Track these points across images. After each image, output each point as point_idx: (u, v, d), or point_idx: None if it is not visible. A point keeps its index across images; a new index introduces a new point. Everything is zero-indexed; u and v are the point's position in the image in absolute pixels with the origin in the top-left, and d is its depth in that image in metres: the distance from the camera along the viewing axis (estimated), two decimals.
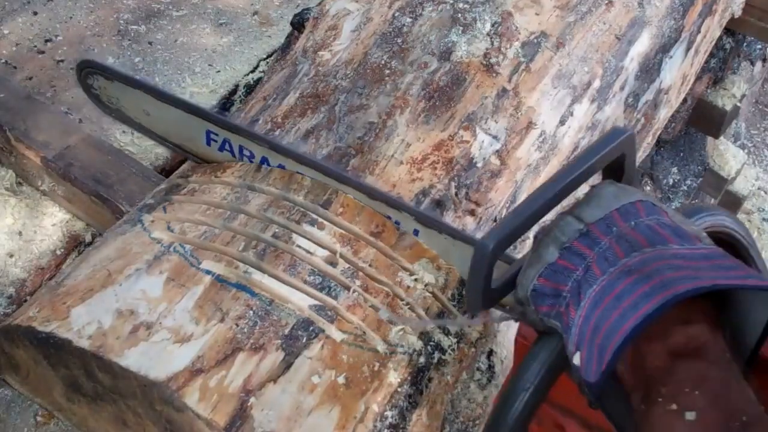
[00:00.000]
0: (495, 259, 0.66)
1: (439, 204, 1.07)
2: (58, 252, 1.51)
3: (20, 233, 1.52)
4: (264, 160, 1.07)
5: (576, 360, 0.60)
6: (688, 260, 0.59)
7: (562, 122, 1.19)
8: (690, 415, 0.55)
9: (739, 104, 1.91)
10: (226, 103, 1.72)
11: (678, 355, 0.58)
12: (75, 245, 1.52)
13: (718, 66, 1.87)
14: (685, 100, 1.77)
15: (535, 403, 0.65)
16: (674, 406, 0.56)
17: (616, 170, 0.70)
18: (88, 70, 1.14)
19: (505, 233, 0.66)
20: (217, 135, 1.09)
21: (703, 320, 0.60)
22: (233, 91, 1.73)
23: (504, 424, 0.65)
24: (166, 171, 1.55)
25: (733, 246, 0.73)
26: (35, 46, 1.72)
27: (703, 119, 2.02)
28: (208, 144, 1.10)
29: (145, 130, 1.17)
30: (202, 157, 1.14)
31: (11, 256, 1.49)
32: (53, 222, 1.54)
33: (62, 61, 1.71)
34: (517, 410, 0.65)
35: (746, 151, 2.44)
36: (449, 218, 1.07)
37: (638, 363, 0.60)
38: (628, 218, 0.63)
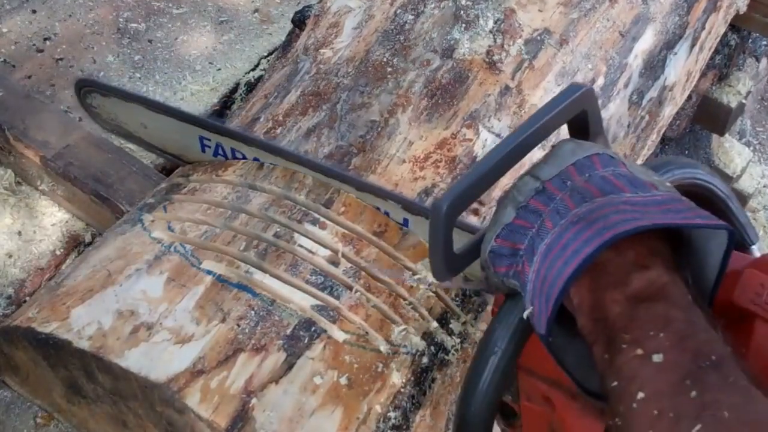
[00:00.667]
0: (452, 220, 0.64)
1: None
2: (58, 252, 1.50)
3: (19, 233, 1.51)
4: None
5: (527, 313, 0.60)
6: (637, 206, 0.58)
7: None
8: (657, 357, 0.54)
9: (744, 101, 1.90)
10: (227, 102, 1.72)
11: (638, 299, 0.57)
12: (75, 245, 1.51)
13: (723, 62, 1.86)
14: (689, 97, 1.76)
15: (505, 366, 0.64)
16: (639, 351, 0.55)
17: (581, 128, 0.68)
18: (86, 89, 1.16)
19: (459, 192, 0.64)
20: (209, 140, 1.10)
21: (662, 265, 0.59)
22: (234, 90, 1.72)
23: (476, 391, 0.64)
24: (166, 170, 1.53)
25: (710, 200, 0.72)
26: (34, 45, 1.71)
27: (708, 116, 2.00)
28: (203, 150, 1.11)
29: (145, 144, 1.20)
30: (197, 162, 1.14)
31: (10, 256, 1.48)
32: (53, 222, 1.53)
33: (61, 59, 1.69)
34: (488, 375, 0.63)
35: (752, 148, 2.42)
36: None
37: (598, 314, 0.59)
38: (583, 171, 0.63)
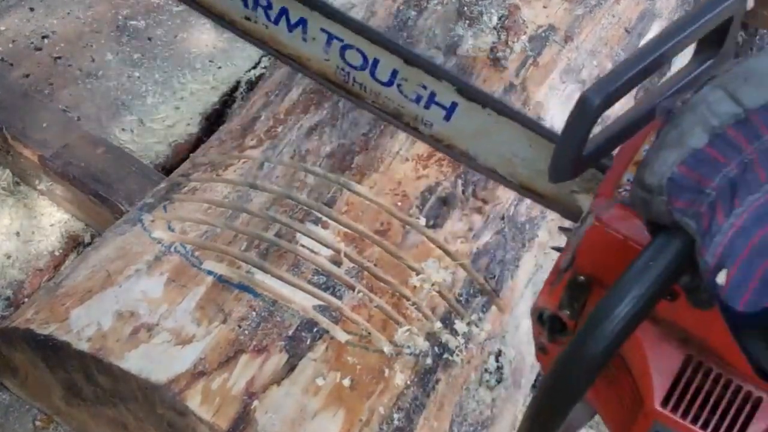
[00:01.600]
0: (597, 119, 0.58)
1: (446, 202, 1.05)
2: (57, 253, 1.49)
3: (18, 234, 1.50)
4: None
5: (721, 278, 0.51)
6: None
7: None
8: None
9: None
10: (227, 101, 1.71)
11: None
12: (74, 246, 1.50)
13: None
14: None
15: (645, 313, 0.56)
16: None
17: (716, 40, 0.60)
18: None
19: (612, 89, 0.56)
20: None
21: None
22: (235, 88, 1.71)
23: (604, 334, 0.56)
24: (166, 169, 1.52)
25: None
26: (32, 43, 1.70)
27: None
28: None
29: None
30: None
31: (9, 257, 1.47)
32: (51, 222, 1.52)
33: (60, 57, 1.68)
34: (623, 320, 0.55)
35: None
36: (456, 216, 1.04)
37: None
38: None
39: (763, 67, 0.54)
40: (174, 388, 0.85)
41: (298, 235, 0.98)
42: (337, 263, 0.97)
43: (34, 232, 1.51)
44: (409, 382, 0.94)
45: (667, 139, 0.55)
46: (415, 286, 0.98)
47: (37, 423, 1.36)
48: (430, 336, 0.97)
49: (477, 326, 1.01)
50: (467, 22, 1.17)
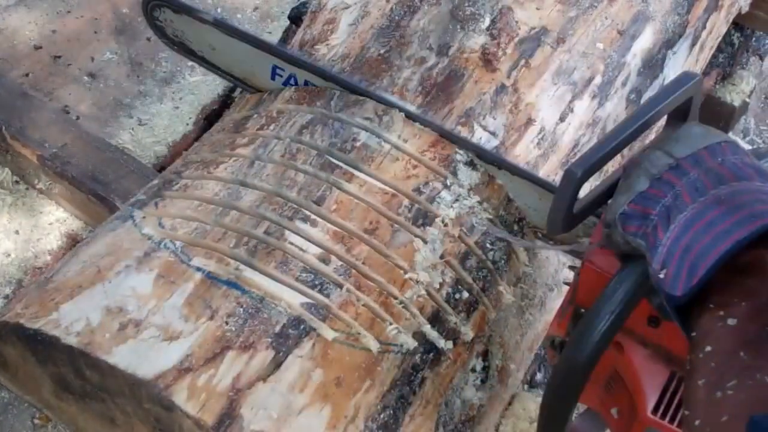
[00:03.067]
0: (581, 186, 0.74)
1: (435, 201, 1.05)
2: (56, 251, 1.50)
3: (17, 232, 1.51)
4: (332, 95, 1.11)
5: (663, 275, 0.67)
6: None
7: (562, 119, 1.16)
8: (732, 321, 0.63)
9: (747, 100, 1.87)
10: (226, 100, 1.72)
11: (737, 269, 0.66)
12: (73, 244, 1.51)
13: (727, 61, 1.84)
14: None
15: (617, 325, 0.71)
16: (721, 313, 0.64)
17: (682, 113, 0.78)
18: (154, 3, 1.17)
19: (591, 163, 0.73)
20: (283, 70, 1.11)
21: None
22: (234, 88, 1.72)
23: (587, 345, 0.71)
24: (164, 169, 1.53)
25: None
26: (32, 42, 1.71)
27: (711, 115, 1.98)
28: (273, 78, 1.13)
29: (209, 64, 1.21)
30: (264, 89, 1.17)
31: (8, 255, 1.49)
32: (50, 221, 1.53)
33: (59, 57, 1.69)
34: (600, 332, 0.70)
35: (755, 147, 2.39)
36: None
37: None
38: (715, 156, 0.71)
39: (690, 132, 0.74)
40: (160, 384, 0.86)
41: (287, 232, 0.98)
42: (326, 261, 0.97)
43: (33, 231, 1.52)
44: (395, 380, 0.94)
45: (621, 188, 0.74)
46: (402, 285, 0.98)
47: (36, 421, 1.37)
48: (417, 334, 0.97)
49: (464, 325, 1.01)
50: (460, 23, 1.17)
